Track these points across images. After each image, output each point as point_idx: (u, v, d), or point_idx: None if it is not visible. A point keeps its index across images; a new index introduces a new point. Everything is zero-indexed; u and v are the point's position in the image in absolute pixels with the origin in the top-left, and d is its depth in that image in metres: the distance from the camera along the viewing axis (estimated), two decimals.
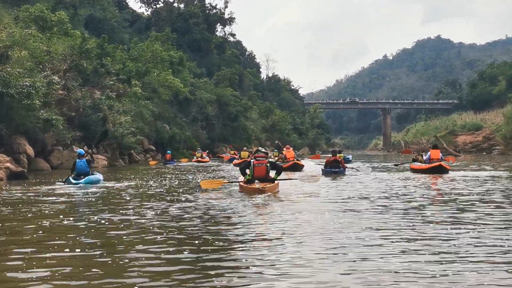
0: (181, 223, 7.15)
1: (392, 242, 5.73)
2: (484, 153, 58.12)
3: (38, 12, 26.75)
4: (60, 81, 25.35)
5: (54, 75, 25.93)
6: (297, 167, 22.59)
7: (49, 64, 26.49)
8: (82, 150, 15.68)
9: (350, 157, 34.52)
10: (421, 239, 5.85)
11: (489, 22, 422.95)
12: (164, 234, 6.30)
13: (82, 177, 14.11)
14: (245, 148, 36.11)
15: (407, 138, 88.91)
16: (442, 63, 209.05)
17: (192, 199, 10.39)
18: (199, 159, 35.89)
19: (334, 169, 19.14)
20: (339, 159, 19.93)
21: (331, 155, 20.57)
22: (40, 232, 6.57)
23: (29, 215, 8.15)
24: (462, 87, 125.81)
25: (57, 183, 14.62)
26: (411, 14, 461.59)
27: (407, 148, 56.40)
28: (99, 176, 14.94)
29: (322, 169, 19.96)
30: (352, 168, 22.37)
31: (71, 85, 26.66)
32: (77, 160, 14.62)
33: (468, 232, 6.34)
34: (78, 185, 13.59)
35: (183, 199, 10.42)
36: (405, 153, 26.79)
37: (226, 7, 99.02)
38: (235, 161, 31.24)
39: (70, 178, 14.22)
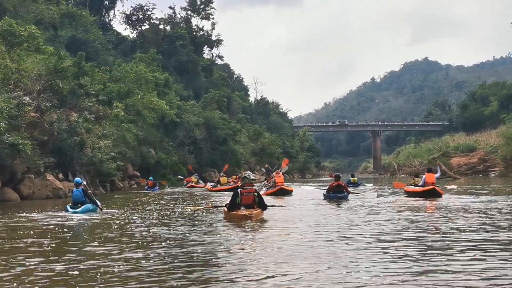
0: (165, 260, 6.67)
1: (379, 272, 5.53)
2: (481, 175, 56.34)
3: (6, 26, 24.38)
4: (31, 102, 22.92)
5: (26, 96, 23.59)
6: (284, 192, 22.58)
7: (21, 83, 24.09)
8: (79, 178, 15.83)
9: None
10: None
11: (476, 43, 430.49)
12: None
13: (79, 205, 14.28)
14: (222, 173, 34.37)
15: (398, 160, 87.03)
16: (430, 85, 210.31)
17: (178, 227, 10.14)
18: (194, 184, 34.91)
19: (338, 194, 18.15)
20: (342, 184, 18.84)
21: (334, 180, 19.14)
22: None
23: None
24: (452, 108, 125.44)
25: (52, 212, 14.51)
26: (398, 35, 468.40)
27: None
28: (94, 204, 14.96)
29: (324, 194, 19.12)
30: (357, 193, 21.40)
31: (44, 106, 24.24)
32: (74, 189, 14.85)
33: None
34: (76, 213, 13.73)
35: (170, 229, 9.93)
36: (398, 186, 24.93)
37: (213, 29, 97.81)
38: (210, 187, 30.53)
39: (68, 206, 14.40)
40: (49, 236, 9.29)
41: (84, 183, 16.05)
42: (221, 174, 34.11)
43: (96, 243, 8.19)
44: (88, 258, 6.74)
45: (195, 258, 6.62)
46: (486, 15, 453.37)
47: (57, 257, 6.84)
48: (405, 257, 6.41)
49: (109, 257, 6.82)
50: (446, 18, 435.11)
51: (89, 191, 15.49)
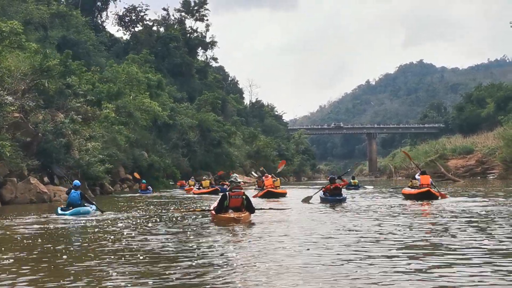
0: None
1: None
2: (479, 177, 55.54)
3: None
4: (14, 102, 21.83)
5: (10, 95, 22.50)
6: (272, 195, 22.14)
7: (3, 82, 22.98)
8: (77, 181, 15.62)
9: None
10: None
11: (471, 45, 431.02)
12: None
13: (71, 208, 14.04)
14: (205, 177, 33.46)
15: (394, 163, 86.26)
16: (425, 87, 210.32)
17: (161, 235, 9.45)
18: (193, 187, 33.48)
19: (336, 196, 17.64)
20: (340, 186, 18.27)
21: (329, 182, 18.44)
22: None
23: None
24: (447, 110, 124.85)
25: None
26: (393, 37, 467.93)
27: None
28: (88, 208, 14.63)
29: (321, 197, 18.53)
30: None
31: (28, 106, 23.13)
32: (72, 191, 14.67)
33: None
34: (65, 216, 13.43)
35: (153, 237, 9.16)
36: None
37: (207, 30, 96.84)
38: (195, 190, 29.70)
39: (59, 209, 14.12)
40: (21, 244, 8.57)
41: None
42: (204, 177, 33.33)
43: (65, 256, 7.21)
44: (55, 273, 5.94)
45: (175, 274, 5.72)
46: (481, 17, 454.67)
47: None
48: (408, 268, 5.82)
49: (83, 271, 5.99)
50: (441, 20, 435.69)
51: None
